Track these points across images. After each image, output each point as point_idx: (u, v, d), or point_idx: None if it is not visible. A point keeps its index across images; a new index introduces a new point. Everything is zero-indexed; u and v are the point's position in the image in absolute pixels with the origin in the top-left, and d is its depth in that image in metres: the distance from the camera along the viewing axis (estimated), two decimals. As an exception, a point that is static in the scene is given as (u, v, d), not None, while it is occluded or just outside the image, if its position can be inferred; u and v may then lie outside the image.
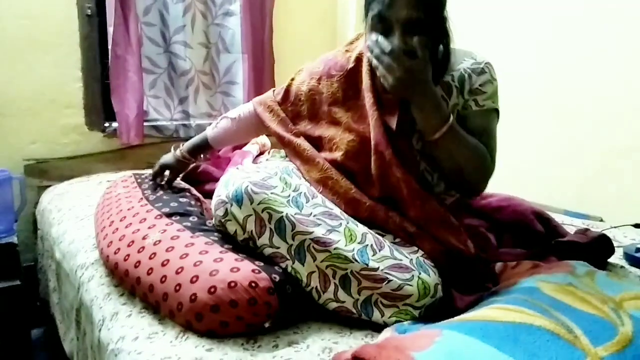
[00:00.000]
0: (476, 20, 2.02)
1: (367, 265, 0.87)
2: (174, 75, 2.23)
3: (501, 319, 0.73)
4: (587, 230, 1.21)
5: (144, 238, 1.00)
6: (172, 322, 0.87)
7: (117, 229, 1.08)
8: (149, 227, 1.03)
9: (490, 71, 1.05)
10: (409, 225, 0.98)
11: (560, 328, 0.70)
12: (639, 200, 1.56)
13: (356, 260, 0.87)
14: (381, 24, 0.94)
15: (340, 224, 0.93)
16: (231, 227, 0.94)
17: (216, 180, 1.66)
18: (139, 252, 0.97)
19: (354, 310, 0.88)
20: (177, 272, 0.88)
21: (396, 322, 0.86)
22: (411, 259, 0.91)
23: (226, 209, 0.93)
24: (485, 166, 1.00)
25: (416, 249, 0.95)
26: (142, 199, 1.19)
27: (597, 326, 0.71)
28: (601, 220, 1.57)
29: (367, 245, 0.90)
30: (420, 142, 1.02)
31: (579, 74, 1.71)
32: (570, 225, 1.37)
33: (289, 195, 0.94)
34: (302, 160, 1.09)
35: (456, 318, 0.78)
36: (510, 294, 0.84)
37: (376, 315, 0.87)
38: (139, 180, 1.35)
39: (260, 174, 0.96)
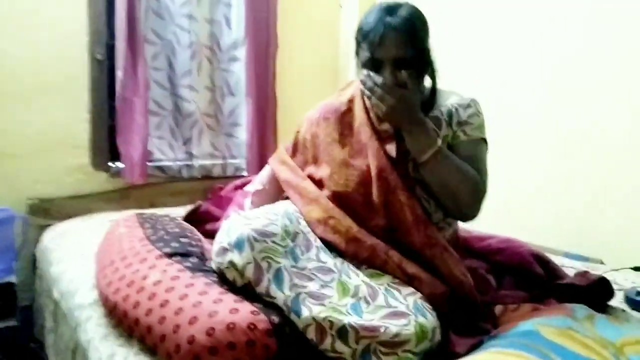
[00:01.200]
0: (471, 60, 2.09)
1: (362, 318, 0.88)
2: (179, 117, 2.29)
3: (500, 363, 0.73)
4: (586, 272, 1.20)
5: (144, 278, 1.00)
6: (170, 364, 0.86)
7: (117, 268, 1.08)
8: (150, 268, 1.04)
9: (475, 106, 1.14)
10: (409, 265, 0.99)
11: (559, 373, 0.69)
12: (639, 241, 1.56)
13: (349, 314, 0.88)
14: (372, 62, 1.04)
15: (333, 278, 0.95)
16: (230, 275, 0.94)
17: (217, 219, 1.67)
18: (138, 292, 0.97)
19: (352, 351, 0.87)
20: (176, 313, 0.88)
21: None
22: (407, 304, 0.91)
23: (227, 256, 0.94)
24: (476, 188, 1.05)
25: (414, 290, 0.96)
26: (143, 238, 1.20)
27: (597, 371, 0.70)
28: (601, 263, 1.56)
29: (361, 298, 0.92)
30: (415, 170, 1.08)
31: (575, 117, 1.76)
32: (570, 268, 1.37)
33: (287, 246, 0.97)
34: (305, 201, 1.12)
35: (455, 362, 0.77)
36: (509, 338, 0.84)
37: None
38: (141, 220, 1.36)
39: (262, 221, 0.98)
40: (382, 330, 0.85)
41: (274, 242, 0.95)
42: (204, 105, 2.32)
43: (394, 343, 0.85)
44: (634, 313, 1.12)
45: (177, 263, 1.05)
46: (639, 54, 1.57)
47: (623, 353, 0.76)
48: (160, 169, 2.26)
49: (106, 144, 2.16)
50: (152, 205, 2.16)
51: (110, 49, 2.13)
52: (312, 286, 0.92)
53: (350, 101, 1.18)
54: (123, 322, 0.98)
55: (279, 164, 1.29)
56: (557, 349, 0.76)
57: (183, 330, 0.85)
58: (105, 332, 1.02)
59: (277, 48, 2.44)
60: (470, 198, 1.04)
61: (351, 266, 1.01)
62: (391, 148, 1.08)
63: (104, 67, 2.14)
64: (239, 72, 2.38)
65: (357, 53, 1.10)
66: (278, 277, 0.91)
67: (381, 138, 1.10)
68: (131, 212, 1.55)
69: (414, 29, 1.04)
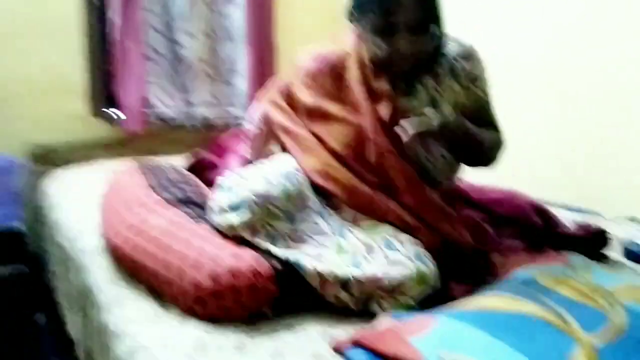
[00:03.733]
0: (478, 19, 2.02)
1: (363, 269, 0.89)
2: (176, 64, 2.24)
3: (496, 306, 0.75)
4: (584, 223, 1.22)
5: (148, 226, 1.01)
6: (175, 306, 0.89)
7: (122, 217, 1.09)
8: (154, 215, 1.04)
9: (477, 55, 1.10)
10: (407, 216, 0.99)
11: (552, 316, 0.71)
12: (637, 195, 1.57)
13: (350, 267, 0.90)
14: (385, 27, 0.96)
15: (329, 239, 0.96)
16: (228, 232, 0.96)
17: (217, 168, 1.67)
18: (144, 239, 0.98)
19: (354, 307, 0.90)
20: (180, 259, 0.90)
21: (394, 310, 0.88)
22: (407, 252, 0.92)
23: (225, 217, 0.95)
24: (500, 146, 1.14)
25: (414, 238, 0.97)
26: (146, 187, 1.20)
27: (589, 315, 0.73)
28: (599, 215, 1.58)
29: (358, 254, 0.92)
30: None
31: (578, 72, 1.72)
32: (569, 220, 1.38)
33: (286, 208, 0.97)
34: (302, 149, 1.10)
35: (452, 306, 0.80)
36: (505, 283, 0.86)
37: (375, 308, 0.89)
38: (143, 169, 1.36)
39: (262, 184, 0.97)
40: (385, 280, 0.87)
41: (273, 205, 0.95)
42: (201, 51, 2.26)
43: (395, 290, 0.88)
44: (630, 263, 1.15)
45: (180, 210, 1.06)
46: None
47: (617, 299, 0.78)
48: (160, 117, 2.23)
49: (103, 90, 2.13)
50: (152, 154, 2.13)
51: (104, -9, 2.05)
52: (308, 248, 0.94)
53: (347, 54, 1.11)
54: (129, 267, 1.00)
55: (273, 108, 1.22)
56: (553, 295, 0.78)
57: (188, 275, 0.87)
58: (111, 276, 1.05)
59: (277, -9, 2.35)
60: (496, 155, 1.14)
61: (347, 224, 1.00)
62: (383, 110, 1.03)
63: (98, 10, 2.06)
64: (237, 17, 2.30)
65: (360, 13, 1.00)
66: (274, 242, 0.93)
67: (375, 97, 1.05)
68: (133, 161, 1.55)
69: None
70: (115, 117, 2.14)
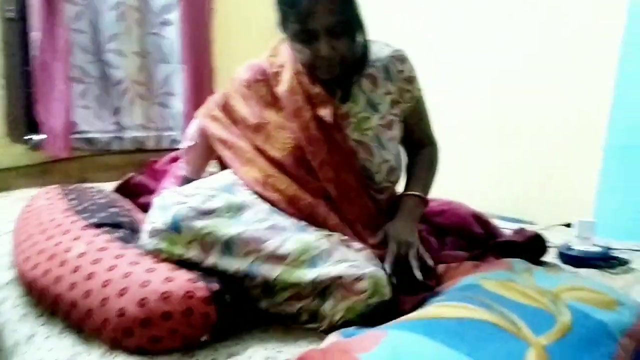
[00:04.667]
0: (425, 51, 2.09)
1: (321, 271, 0.86)
2: (106, 85, 2.13)
3: (445, 315, 0.73)
4: (522, 229, 1.24)
5: (66, 251, 0.91)
6: (98, 340, 0.79)
7: (35, 242, 0.98)
8: (74, 239, 0.94)
9: (408, 57, 1.13)
10: (346, 228, 0.99)
11: (503, 321, 0.70)
12: (570, 208, 1.65)
13: (309, 268, 0.86)
14: (304, 33, 0.97)
15: (292, 235, 0.91)
16: (167, 255, 0.88)
17: (151, 192, 1.57)
18: (60, 265, 0.88)
19: (306, 310, 0.86)
20: (103, 285, 0.81)
21: (343, 323, 0.84)
22: (362, 257, 0.91)
23: (162, 238, 0.87)
24: (437, 165, 1.19)
25: (363, 245, 0.95)
26: (67, 209, 1.09)
27: (537, 317, 0.72)
28: (533, 224, 1.63)
29: (322, 251, 0.88)
30: (356, 132, 1.06)
31: (516, 89, 1.81)
32: (506, 229, 1.42)
33: (233, 216, 0.91)
34: (242, 162, 1.06)
35: (401, 318, 0.76)
36: (453, 292, 0.85)
37: (328, 306, 0.85)
38: (65, 192, 1.24)
39: (199, 198, 0.91)
40: (341, 278, 0.85)
41: (217, 216, 0.89)
42: (133, 72, 2.16)
43: (351, 289, 0.84)
44: (566, 267, 1.18)
45: (105, 234, 0.96)
46: (579, 53, 1.63)
47: (560, 299, 0.78)
48: (87, 141, 2.09)
49: (23, 113, 1.96)
50: (81, 181, 1.99)
51: (24, 7, 1.92)
52: (270, 245, 0.87)
53: (281, 66, 1.10)
54: (43, 299, 0.89)
55: (210, 121, 1.18)
56: (499, 298, 0.78)
57: (112, 302, 0.78)
58: (23, 312, 0.92)
59: (213, 12, 2.31)
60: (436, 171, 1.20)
61: (309, 225, 0.97)
62: (326, 113, 1.03)
63: (17, 27, 1.92)
64: (172, 37, 2.24)
65: (282, 23, 1.01)
66: (229, 247, 0.86)
67: (313, 103, 1.04)
68: (54, 186, 1.42)
69: None
70: (37, 141, 1.97)
